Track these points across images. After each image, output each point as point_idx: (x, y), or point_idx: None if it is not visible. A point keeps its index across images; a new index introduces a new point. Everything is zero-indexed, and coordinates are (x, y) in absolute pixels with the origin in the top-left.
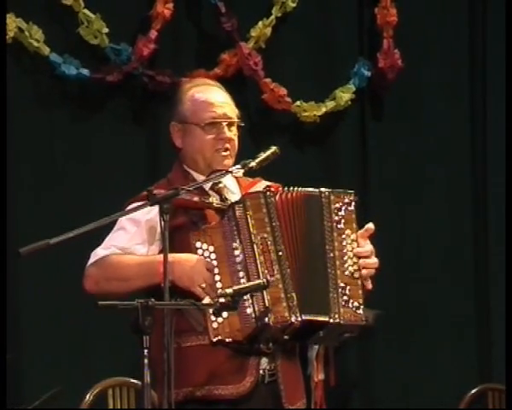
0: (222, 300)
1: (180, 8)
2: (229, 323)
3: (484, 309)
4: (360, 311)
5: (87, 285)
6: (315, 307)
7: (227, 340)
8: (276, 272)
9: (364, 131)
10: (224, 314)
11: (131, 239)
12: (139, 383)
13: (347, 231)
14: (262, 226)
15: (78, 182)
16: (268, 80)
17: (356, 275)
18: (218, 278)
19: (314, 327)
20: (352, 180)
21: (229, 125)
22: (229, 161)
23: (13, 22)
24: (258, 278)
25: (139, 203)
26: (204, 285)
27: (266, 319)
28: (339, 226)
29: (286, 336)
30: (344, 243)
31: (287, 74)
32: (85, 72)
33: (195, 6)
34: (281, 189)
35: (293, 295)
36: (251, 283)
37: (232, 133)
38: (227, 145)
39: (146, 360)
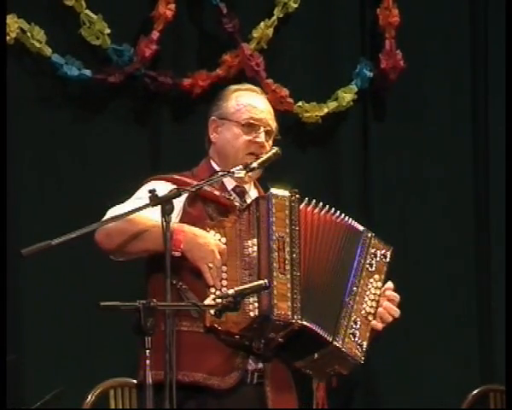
0: (224, 300)
1: (182, 9)
2: (227, 314)
3: (485, 310)
4: (362, 349)
5: (99, 237)
6: (321, 322)
7: (220, 328)
8: (286, 270)
9: (366, 132)
10: None
11: (148, 209)
12: None
13: (376, 276)
14: (282, 226)
15: (80, 182)
16: (270, 81)
17: (370, 318)
18: (224, 268)
19: (312, 342)
20: (354, 181)
21: (268, 134)
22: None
23: (15, 23)
24: (269, 273)
25: (141, 204)
26: (211, 265)
27: (268, 312)
28: (370, 269)
29: (280, 339)
30: (369, 286)
31: (289, 75)
32: (87, 73)
33: (197, 7)
34: (313, 201)
35: (299, 297)
36: (252, 284)
37: (268, 143)
38: (260, 151)
39: (147, 361)
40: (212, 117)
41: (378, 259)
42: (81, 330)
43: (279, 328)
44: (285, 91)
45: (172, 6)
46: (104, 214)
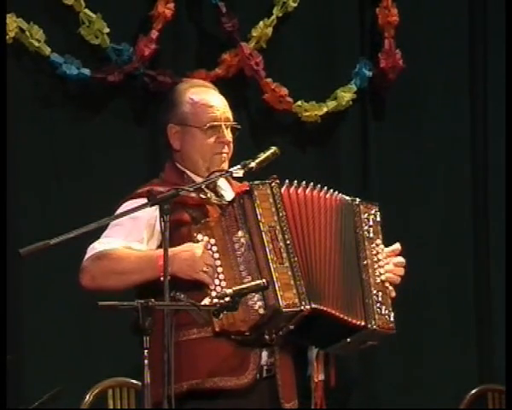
0: (221, 300)
1: (181, 8)
2: (234, 313)
3: (485, 309)
4: (391, 319)
5: (83, 281)
6: (346, 307)
7: (230, 330)
8: (284, 259)
9: (365, 131)
10: None
11: (129, 235)
12: (139, 383)
13: (377, 241)
14: (269, 216)
15: (79, 182)
16: (269, 80)
17: (386, 284)
18: (220, 270)
19: (342, 329)
20: (353, 180)
21: (228, 127)
22: (226, 164)
23: (13, 22)
24: (267, 267)
25: (139, 203)
26: (206, 269)
27: (277, 305)
28: (370, 236)
29: (291, 326)
30: (374, 252)
31: (288, 74)
32: (86, 72)
33: (196, 6)
34: (295, 182)
35: (302, 282)
36: (251, 283)
37: (229, 135)
38: (226, 149)
39: (146, 361)
40: (170, 124)
41: (371, 222)
42: (80, 329)
43: (289, 317)
44: (284, 90)
45: (171, 5)
46: (104, 214)
